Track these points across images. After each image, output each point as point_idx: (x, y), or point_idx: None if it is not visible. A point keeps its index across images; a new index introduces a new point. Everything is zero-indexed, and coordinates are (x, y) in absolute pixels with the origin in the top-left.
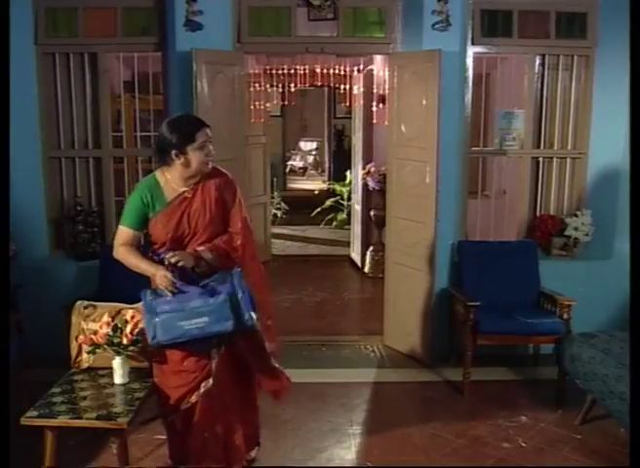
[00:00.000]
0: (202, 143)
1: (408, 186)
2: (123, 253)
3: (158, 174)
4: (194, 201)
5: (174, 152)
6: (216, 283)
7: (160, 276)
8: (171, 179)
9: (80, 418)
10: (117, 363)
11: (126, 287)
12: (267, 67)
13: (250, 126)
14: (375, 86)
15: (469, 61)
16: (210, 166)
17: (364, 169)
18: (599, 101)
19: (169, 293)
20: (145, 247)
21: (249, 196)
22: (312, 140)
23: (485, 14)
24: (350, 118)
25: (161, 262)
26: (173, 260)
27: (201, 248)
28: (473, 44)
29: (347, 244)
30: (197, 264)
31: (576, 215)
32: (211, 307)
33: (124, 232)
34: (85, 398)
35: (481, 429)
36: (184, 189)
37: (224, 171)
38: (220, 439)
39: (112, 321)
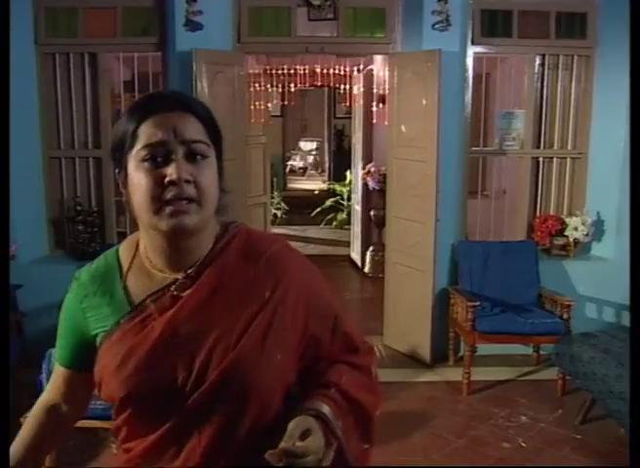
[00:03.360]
0: (146, 151)
1: (408, 186)
2: (31, 415)
3: (125, 243)
4: (202, 303)
5: (116, 171)
6: None
7: None
8: (146, 250)
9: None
10: None
11: None
12: (267, 67)
13: (250, 126)
14: (375, 86)
15: (469, 61)
16: (180, 220)
17: (364, 169)
18: (599, 101)
19: None
20: None
21: (249, 196)
22: (312, 140)
23: (485, 14)
24: (350, 118)
25: None
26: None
27: (317, 403)
28: (473, 44)
29: (347, 244)
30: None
31: (576, 215)
32: None
33: (55, 371)
34: None
35: (481, 429)
36: (176, 276)
37: (274, 235)
38: None
39: None
